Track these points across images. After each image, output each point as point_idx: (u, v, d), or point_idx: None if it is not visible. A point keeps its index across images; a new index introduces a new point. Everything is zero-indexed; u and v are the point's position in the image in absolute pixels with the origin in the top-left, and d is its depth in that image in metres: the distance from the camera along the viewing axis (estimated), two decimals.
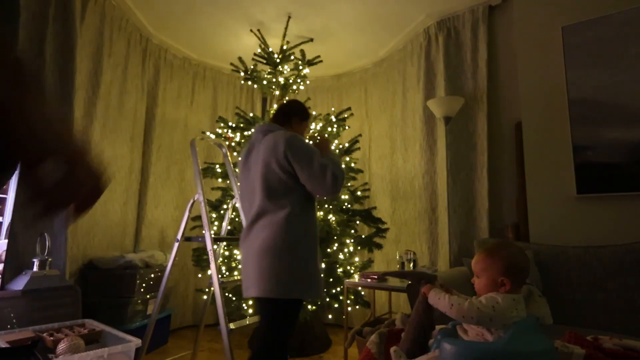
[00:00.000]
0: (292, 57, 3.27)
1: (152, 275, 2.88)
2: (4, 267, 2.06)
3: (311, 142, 1.68)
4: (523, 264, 1.12)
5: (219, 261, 2.68)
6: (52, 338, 1.79)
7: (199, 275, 3.39)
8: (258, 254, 1.48)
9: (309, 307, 2.75)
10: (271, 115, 3.15)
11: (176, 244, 2.29)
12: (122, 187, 3.18)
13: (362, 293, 3.17)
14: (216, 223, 2.97)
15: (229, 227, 2.74)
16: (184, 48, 3.82)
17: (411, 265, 2.61)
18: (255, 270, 1.47)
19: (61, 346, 1.71)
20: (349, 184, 3.22)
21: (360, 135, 3.33)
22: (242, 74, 3.29)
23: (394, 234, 3.46)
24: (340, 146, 3.16)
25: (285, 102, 1.83)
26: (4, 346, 1.59)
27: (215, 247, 2.21)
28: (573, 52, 2.46)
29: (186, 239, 2.31)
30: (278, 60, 3.23)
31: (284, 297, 1.43)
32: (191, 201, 2.28)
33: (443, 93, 3.03)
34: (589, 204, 2.36)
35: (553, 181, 2.48)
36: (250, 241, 1.53)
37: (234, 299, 2.87)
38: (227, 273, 2.89)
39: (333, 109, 4.16)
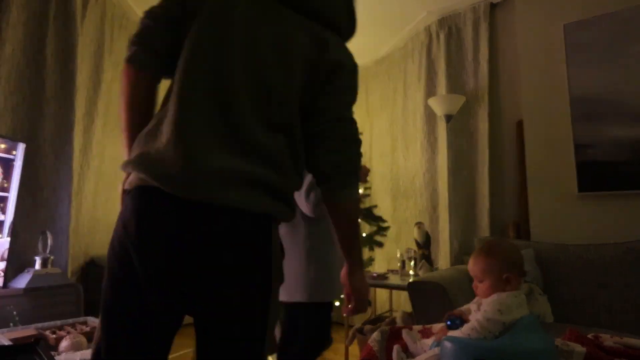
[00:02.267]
0: None
1: None
2: (6, 266, 2.07)
3: None
4: (521, 259, 1.15)
5: None
6: (54, 336, 1.80)
7: None
8: None
9: None
10: None
11: None
12: None
13: None
14: None
15: None
16: None
17: (412, 263, 2.61)
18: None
19: (63, 344, 1.72)
20: None
21: (361, 133, 3.30)
22: None
23: (394, 232, 3.46)
24: None
25: None
26: (7, 344, 1.60)
27: None
28: (575, 50, 2.45)
29: None
30: None
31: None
32: None
33: (444, 91, 3.03)
34: (590, 202, 2.36)
35: (554, 179, 2.48)
36: None
37: None
38: None
39: None
